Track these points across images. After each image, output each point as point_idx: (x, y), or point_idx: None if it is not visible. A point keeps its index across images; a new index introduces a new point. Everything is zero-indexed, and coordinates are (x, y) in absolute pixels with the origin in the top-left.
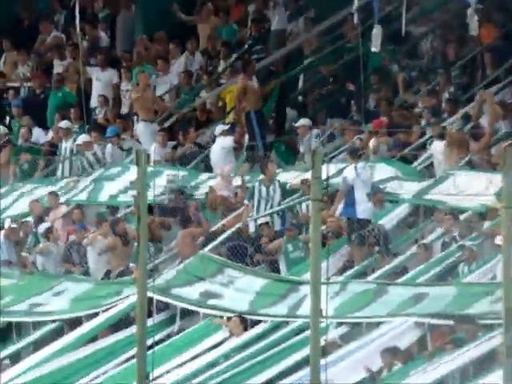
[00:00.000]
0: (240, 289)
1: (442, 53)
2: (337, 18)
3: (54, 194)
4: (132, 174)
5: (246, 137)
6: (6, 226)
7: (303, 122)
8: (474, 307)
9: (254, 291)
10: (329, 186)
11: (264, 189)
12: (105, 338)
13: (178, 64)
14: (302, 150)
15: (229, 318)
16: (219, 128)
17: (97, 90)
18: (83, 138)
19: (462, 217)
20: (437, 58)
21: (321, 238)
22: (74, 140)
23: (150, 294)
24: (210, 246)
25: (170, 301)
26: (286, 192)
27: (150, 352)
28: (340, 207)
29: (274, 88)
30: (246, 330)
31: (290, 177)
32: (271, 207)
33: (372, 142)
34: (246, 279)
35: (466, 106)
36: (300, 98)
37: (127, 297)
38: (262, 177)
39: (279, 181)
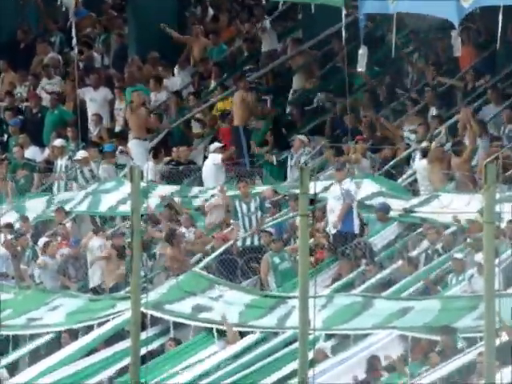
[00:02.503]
0: (229, 301)
1: (427, 72)
2: (324, 35)
3: (61, 210)
4: (127, 187)
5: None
6: (3, 239)
7: (301, 137)
8: (459, 322)
9: (243, 304)
10: (318, 202)
11: (244, 205)
12: (101, 350)
13: (170, 83)
14: (291, 163)
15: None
16: (213, 145)
17: (91, 109)
18: (82, 153)
19: (446, 232)
20: (421, 77)
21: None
22: (69, 158)
23: (143, 310)
24: (201, 264)
25: (163, 316)
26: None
27: (144, 366)
28: (333, 222)
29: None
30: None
31: None
32: (256, 222)
33: (353, 155)
34: (235, 293)
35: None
36: (289, 117)
37: (122, 312)
38: (239, 193)
39: (259, 195)
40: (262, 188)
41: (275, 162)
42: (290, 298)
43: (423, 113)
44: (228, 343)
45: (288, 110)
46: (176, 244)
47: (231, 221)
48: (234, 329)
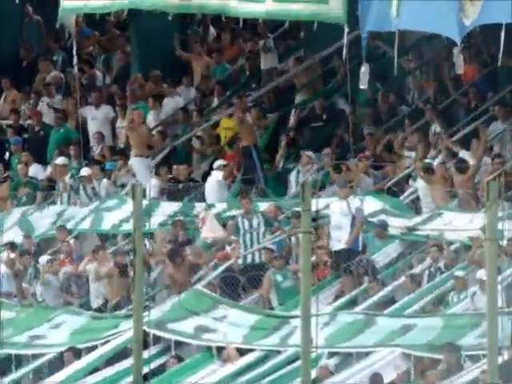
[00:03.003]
0: (233, 323)
1: (430, 89)
2: (326, 53)
3: (62, 228)
4: (129, 205)
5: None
6: (5, 257)
7: (309, 153)
8: (462, 340)
9: (247, 325)
10: (319, 219)
11: (246, 222)
12: (104, 369)
13: (172, 101)
14: (298, 178)
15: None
16: (217, 163)
17: (93, 127)
18: (86, 170)
19: (449, 248)
20: (422, 94)
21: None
22: (72, 176)
23: (146, 329)
24: (203, 282)
25: (165, 335)
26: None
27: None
28: (344, 239)
29: (269, 123)
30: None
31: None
32: (257, 239)
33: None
34: (239, 314)
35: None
36: (291, 133)
37: (124, 331)
38: (242, 211)
39: (261, 212)
40: (263, 204)
41: (281, 165)
42: (293, 317)
43: (424, 130)
44: (226, 362)
45: (291, 123)
46: (178, 263)
47: (232, 237)
48: (233, 348)
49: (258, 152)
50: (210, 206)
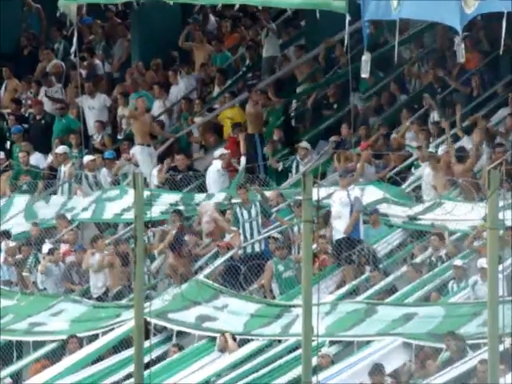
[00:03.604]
0: (234, 311)
1: (430, 78)
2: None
3: (62, 217)
4: (130, 195)
5: (243, 159)
6: (6, 246)
7: (305, 144)
8: (463, 329)
9: (247, 313)
10: (320, 208)
11: (245, 212)
12: (107, 358)
13: (176, 90)
14: (301, 170)
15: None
16: (218, 152)
17: (91, 117)
18: (90, 157)
19: (451, 238)
20: (423, 82)
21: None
22: (73, 164)
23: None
24: (205, 272)
25: (166, 324)
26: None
27: (147, 371)
28: (344, 228)
29: (273, 109)
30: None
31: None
32: (257, 228)
33: (358, 163)
34: (240, 302)
35: (450, 130)
36: (293, 121)
37: (125, 321)
38: (239, 200)
39: (259, 201)
40: (267, 192)
41: (280, 168)
42: (294, 306)
43: (423, 119)
44: (223, 351)
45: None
46: (179, 252)
47: (232, 228)
48: (229, 337)
49: (261, 141)
50: (209, 197)
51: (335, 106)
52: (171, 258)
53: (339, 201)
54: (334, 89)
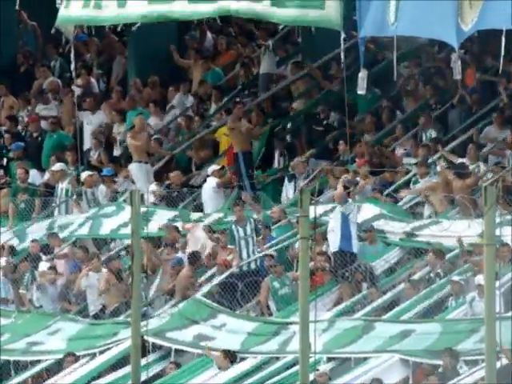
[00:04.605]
0: (232, 330)
1: (425, 95)
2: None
3: (54, 236)
4: (127, 212)
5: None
6: (3, 263)
7: (303, 160)
8: (460, 345)
9: (245, 332)
10: (318, 226)
11: (241, 229)
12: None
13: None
14: (301, 184)
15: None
16: (211, 168)
17: (88, 132)
18: (88, 173)
19: (447, 255)
20: (419, 99)
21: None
22: (69, 182)
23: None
24: (203, 290)
25: (164, 343)
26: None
27: None
28: (334, 242)
29: (263, 132)
30: (232, 363)
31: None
32: (253, 245)
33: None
34: (237, 321)
35: (446, 147)
36: (288, 137)
37: (122, 340)
38: (234, 218)
39: (254, 218)
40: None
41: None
42: (291, 323)
43: (417, 136)
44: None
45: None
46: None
47: (228, 246)
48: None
49: (245, 159)
50: (200, 218)
51: (330, 122)
52: (169, 276)
53: (334, 215)
54: (330, 105)
